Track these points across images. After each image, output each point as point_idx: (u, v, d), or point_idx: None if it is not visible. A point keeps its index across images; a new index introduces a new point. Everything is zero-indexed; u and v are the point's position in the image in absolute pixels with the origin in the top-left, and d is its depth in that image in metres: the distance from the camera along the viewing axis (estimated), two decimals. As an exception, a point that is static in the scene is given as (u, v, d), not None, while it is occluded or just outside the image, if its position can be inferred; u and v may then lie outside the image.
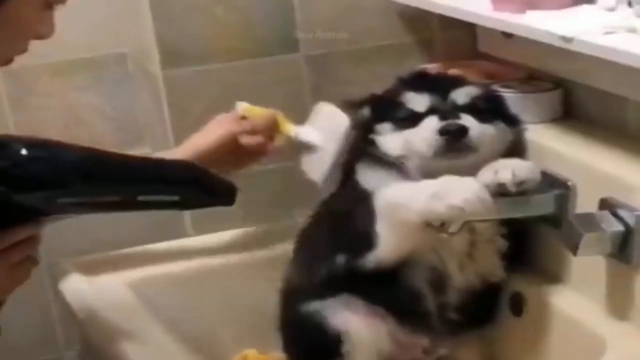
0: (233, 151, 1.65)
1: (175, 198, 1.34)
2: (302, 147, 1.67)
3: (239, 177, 1.77)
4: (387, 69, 1.86)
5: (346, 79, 1.92)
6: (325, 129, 1.65)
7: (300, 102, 1.88)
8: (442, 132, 1.47)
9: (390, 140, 1.53)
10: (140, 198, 1.31)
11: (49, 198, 1.23)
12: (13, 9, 1.29)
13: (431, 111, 1.51)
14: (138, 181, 1.32)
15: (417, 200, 1.41)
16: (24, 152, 1.21)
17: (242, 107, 1.69)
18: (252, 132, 1.66)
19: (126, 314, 1.57)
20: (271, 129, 1.67)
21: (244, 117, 1.68)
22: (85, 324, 1.59)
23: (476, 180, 1.42)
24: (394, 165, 1.52)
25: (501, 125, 1.54)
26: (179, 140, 1.82)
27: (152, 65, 1.84)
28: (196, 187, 1.38)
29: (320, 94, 1.86)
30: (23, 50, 1.35)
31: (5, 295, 1.32)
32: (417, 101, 1.53)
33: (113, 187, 1.29)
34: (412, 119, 1.52)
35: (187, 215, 1.89)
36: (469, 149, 1.47)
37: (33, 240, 1.30)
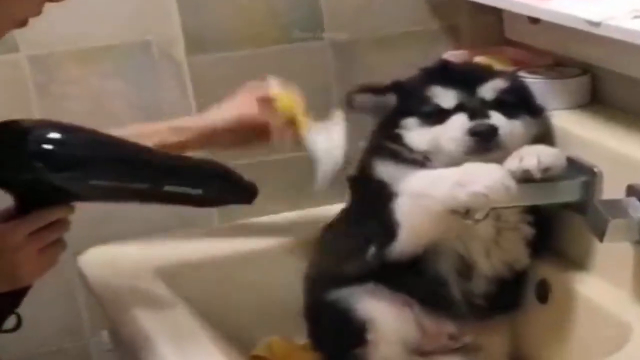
0: (245, 132, 1.65)
1: (199, 192, 1.37)
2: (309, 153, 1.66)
3: (262, 166, 1.81)
4: (414, 56, 1.85)
5: (372, 66, 1.91)
6: (333, 137, 1.64)
7: (325, 89, 1.88)
8: (472, 132, 1.46)
9: (417, 136, 1.52)
10: (167, 188, 1.34)
11: (81, 179, 1.27)
12: None
13: (459, 107, 1.50)
14: (166, 170, 1.35)
15: (440, 188, 1.41)
16: (57, 135, 1.25)
17: (274, 90, 1.67)
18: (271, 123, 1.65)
19: (152, 299, 1.56)
20: (290, 125, 1.66)
21: (269, 100, 1.66)
22: (111, 309, 1.59)
23: (500, 166, 1.41)
24: (419, 161, 1.51)
25: (527, 118, 1.53)
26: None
27: (177, 52, 1.84)
28: (220, 183, 1.42)
29: (345, 81, 1.85)
30: (37, 12, 1.28)
31: (33, 279, 1.32)
32: (444, 96, 1.51)
33: (143, 173, 1.32)
34: (440, 115, 1.50)
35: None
36: (498, 147, 1.46)
37: (63, 224, 1.32)
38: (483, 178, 1.38)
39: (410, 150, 1.52)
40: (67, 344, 1.96)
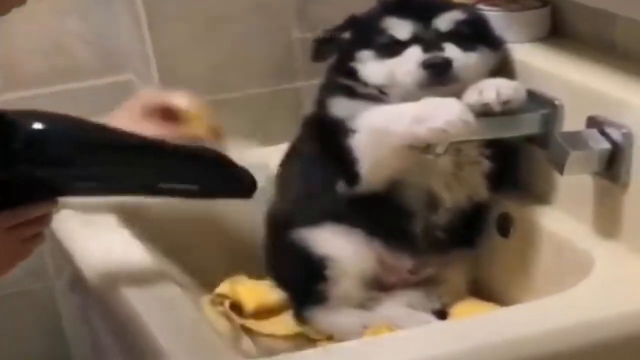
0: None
1: (195, 187, 1.32)
2: None
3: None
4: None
5: (333, 2, 1.89)
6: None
7: (283, 25, 1.87)
8: (426, 65, 1.45)
9: (372, 69, 1.51)
10: (161, 185, 1.29)
11: (67, 175, 1.22)
12: None
13: (414, 39, 1.49)
14: (159, 167, 1.29)
15: (399, 124, 1.40)
16: (42, 127, 1.20)
17: (180, 101, 1.48)
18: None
19: (112, 240, 1.55)
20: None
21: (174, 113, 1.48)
22: (70, 252, 1.57)
23: (458, 101, 1.41)
24: (374, 96, 1.50)
25: (485, 50, 1.52)
26: (161, 67, 1.80)
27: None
28: (216, 176, 1.34)
29: (307, 18, 1.84)
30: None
31: (5, 272, 1.27)
32: (400, 28, 1.50)
33: (134, 172, 1.28)
34: (395, 47, 1.49)
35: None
36: (453, 80, 1.45)
37: (46, 219, 1.27)
38: (442, 113, 1.38)
39: (365, 84, 1.51)
40: (32, 285, 1.96)
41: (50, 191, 1.25)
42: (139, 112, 1.48)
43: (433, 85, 1.45)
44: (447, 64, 1.45)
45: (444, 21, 1.50)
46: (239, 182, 1.35)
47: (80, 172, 1.23)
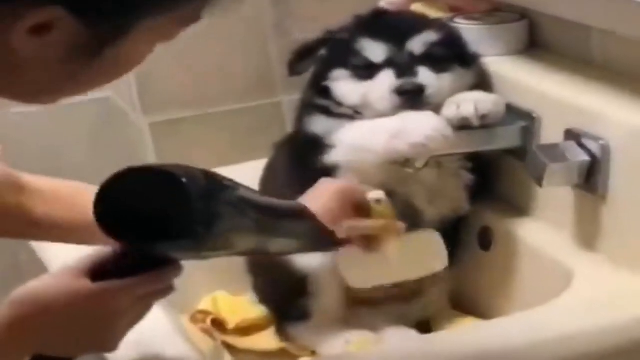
0: None
1: (294, 241, 1.22)
2: None
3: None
4: (349, 5, 1.84)
5: (310, 17, 1.89)
6: None
7: (262, 40, 1.87)
8: (399, 92, 1.46)
9: (346, 89, 1.52)
10: (275, 242, 1.17)
11: (228, 246, 1.06)
12: (131, 46, 0.94)
13: (388, 63, 1.49)
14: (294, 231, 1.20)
15: (378, 139, 1.41)
16: (215, 191, 1.02)
17: (375, 204, 1.35)
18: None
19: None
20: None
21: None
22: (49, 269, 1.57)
23: (437, 115, 1.42)
24: (349, 115, 1.50)
25: (459, 70, 1.52)
26: (141, 84, 1.81)
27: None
28: (312, 236, 1.24)
29: (284, 36, 1.85)
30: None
31: (118, 348, 1.11)
32: (374, 50, 1.51)
33: (279, 242, 1.17)
34: (369, 70, 1.50)
35: (152, 160, 1.88)
36: (426, 105, 1.46)
37: (171, 288, 1.12)
38: (421, 127, 1.39)
39: (340, 104, 1.52)
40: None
41: (189, 257, 1.10)
42: (337, 205, 1.31)
43: (406, 109, 1.45)
44: (419, 90, 1.46)
45: (418, 44, 1.51)
46: (330, 239, 1.26)
47: (237, 243, 1.08)
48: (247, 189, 1.09)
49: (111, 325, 1.07)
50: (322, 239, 1.24)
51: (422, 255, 1.39)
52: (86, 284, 1.04)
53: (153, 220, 1.00)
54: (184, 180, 0.98)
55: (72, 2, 0.85)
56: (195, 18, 0.95)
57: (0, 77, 0.90)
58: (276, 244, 1.18)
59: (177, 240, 1.00)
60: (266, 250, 1.17)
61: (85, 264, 1.06)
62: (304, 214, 1.21)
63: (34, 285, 1.06)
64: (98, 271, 1.05)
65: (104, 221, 1.02)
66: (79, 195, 1.29)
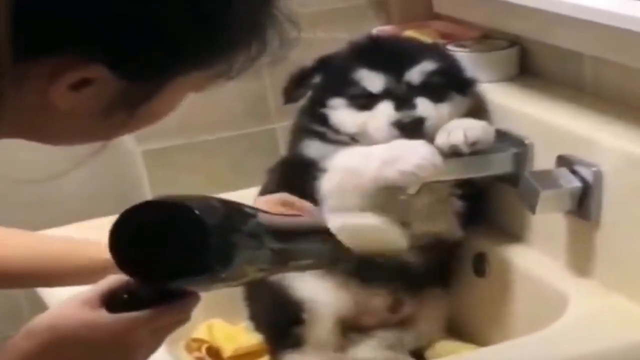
0: None
1: (310, 262, 1.21)
2: None
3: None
4: (342, 32, 1.84)
5: (300, 42, 1.89)
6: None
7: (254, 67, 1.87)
8: (398, 125, 1.47)
9: (344, 118, 1.52)
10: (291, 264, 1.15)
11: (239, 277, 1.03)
12: (164, 99, 0.93)
13: (386, 94, 1.50)
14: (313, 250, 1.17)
15: (369, 166, 1.42)
16: (231, 225, 0.99)
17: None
18: None
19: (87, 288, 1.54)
20: None
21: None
22: (43, 299, 1.57)
23: (427, 143, 1.42)
24: (345, 142, 1.51)
25: (456, 97, 1.53)
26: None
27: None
28: (329, 252, 1.21)
29: (278, 62, 1.84)
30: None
31: None
32: (371, 80, 1.51)
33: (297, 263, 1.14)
34: (367, 100, 1.50)
35: (147, 186, 1.88)
36: (425, 136, 1.46)
37: (188, 318, 1.08)
38: (411, 156, 1.40)
39: (337, 131, 1.52)
40: (9, 332, 1.95)
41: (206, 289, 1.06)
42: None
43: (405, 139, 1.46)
44: (419, 123, 1.47)
45: (416, 74, 1.51)
46: (347, 255, 1.24)
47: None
48: (266, 212, 1.08)
49: (129, 358, 1.05)
50: (340, 255, 1.21)
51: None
52: (104, 315, 1.02)
53: (168, 256, 0.98)
54: (199, 213, 0.96)
55: (114, 61, 0.85)
56: (228, 74, 0.94)
57: (28, 124, 0.90)
58: (291, 267, 1.16)
59: (193, 277, 0.98)
60: (279, 273, 1.16)
61: (100, 293, 1.04)
62: (325, 233, 1.19)
63: (50, 316, 1.04)
64: (113, 300, 1.03)
65: (118, 257, 1.00)
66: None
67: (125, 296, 1.03)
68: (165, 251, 0.97)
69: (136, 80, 0.88)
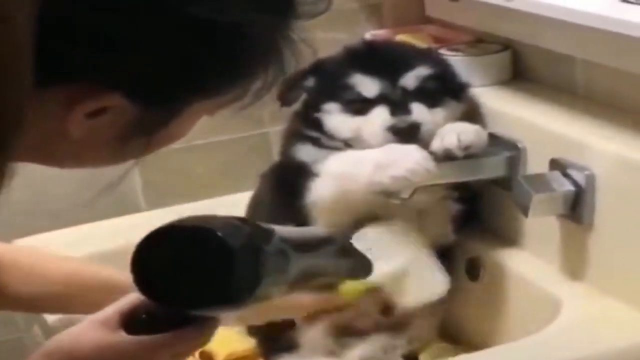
0: None
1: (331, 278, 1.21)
2: None
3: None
4: (335, 36, 1.84)
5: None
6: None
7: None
8: (393, 130, 1.47)
9: (338, 123, 1.51)
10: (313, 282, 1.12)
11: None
12: (178, 124, 0.93)
13: (381, 99, 1.49)
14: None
15: (362, 171, 1.42)
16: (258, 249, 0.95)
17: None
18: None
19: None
20: None
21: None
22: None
23: (420, 148, 1.42)
24: (339, 148, 1.51)
25: (451, 102, 1.53)
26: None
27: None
28: (348, 263, 1.20)
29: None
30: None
31: None
32: (366, 85, 1.50)
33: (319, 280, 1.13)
34: (362, 104, 1.50)
35: (139, 190, 1.88)
36: (420, 141, 1.46)
37: (206, 341, 1.06)
38: (404, 160, 1.39)
39: (331, 136, 1.52)
40: (3, 336, 1.95)
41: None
42: None
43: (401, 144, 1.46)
44: (414, 128, 1.47)
45: (411, 79, 1.51)
46: (360, 265, 1.22)
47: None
48: (284, 228, 1.03)
49: None
50: (361, 268, 1.20)
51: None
52: (123, 338, 1.01)
53: (192, 283, 0.95)
54: (222, 235, 0.93)
55: (131, 89, 0.85)
56: (243, 98, 0.94)
57: (43, 150, 0.90)
58: (312, 285, 1.13)
59: (217, 306, 0.96)
60: (299, 292, 1.14)
61: (119, 312, 1.03)
62: (345, 247, 1.17)
63: (69, 338, 1.02)
64: (132, 322, 1.02)
65: (140, 283, 0.97)
66: (38, 265, 1.28)
67: (144, 316, 1.02)
68: (188, 277, 0.95)
69: (153, 108, 0.87)
